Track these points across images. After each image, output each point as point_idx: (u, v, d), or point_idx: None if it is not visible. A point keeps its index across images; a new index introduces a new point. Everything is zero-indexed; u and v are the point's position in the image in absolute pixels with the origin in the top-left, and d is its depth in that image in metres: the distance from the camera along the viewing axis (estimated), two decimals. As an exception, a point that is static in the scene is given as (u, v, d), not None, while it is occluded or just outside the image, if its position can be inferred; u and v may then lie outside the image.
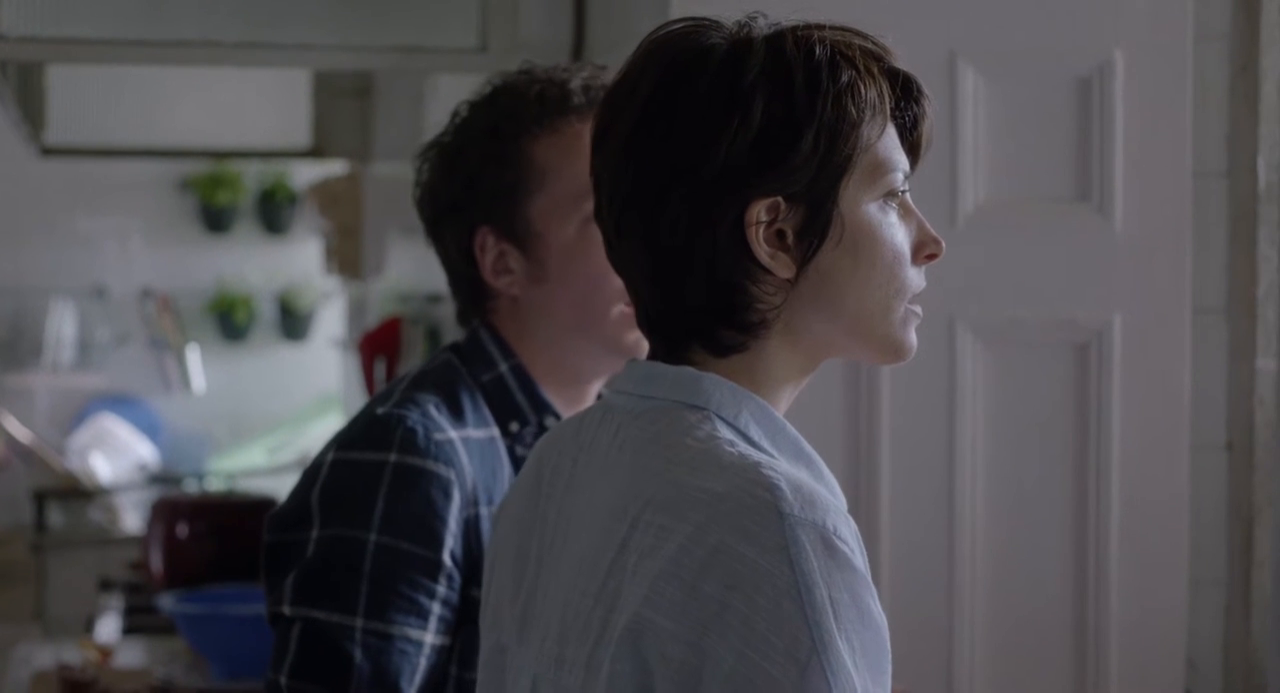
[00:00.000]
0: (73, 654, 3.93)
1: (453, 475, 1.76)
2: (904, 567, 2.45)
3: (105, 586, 4.93)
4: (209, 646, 3.52)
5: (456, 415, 1.81)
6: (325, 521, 1.76)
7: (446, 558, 1.75)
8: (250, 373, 8.40)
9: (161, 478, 7.26)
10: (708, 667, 1.24)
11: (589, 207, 1.76)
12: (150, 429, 7.98)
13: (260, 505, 4.08)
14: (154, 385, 8.27)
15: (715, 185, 1.33)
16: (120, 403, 8.06)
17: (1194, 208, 2.53)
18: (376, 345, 5.10)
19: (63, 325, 8.13)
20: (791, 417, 1.39)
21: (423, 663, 1.73)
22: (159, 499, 4.33)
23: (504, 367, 1.86)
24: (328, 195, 6.27)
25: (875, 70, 1.36)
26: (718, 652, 1.24)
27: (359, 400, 3.30)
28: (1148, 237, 2.47)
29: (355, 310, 7.24)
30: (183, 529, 4.02)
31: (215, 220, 8.33)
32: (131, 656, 3.99)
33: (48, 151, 6.99)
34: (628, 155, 1.36)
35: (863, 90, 1.34)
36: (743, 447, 1.32)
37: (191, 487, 7.07)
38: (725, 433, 1.33)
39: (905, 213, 1.39)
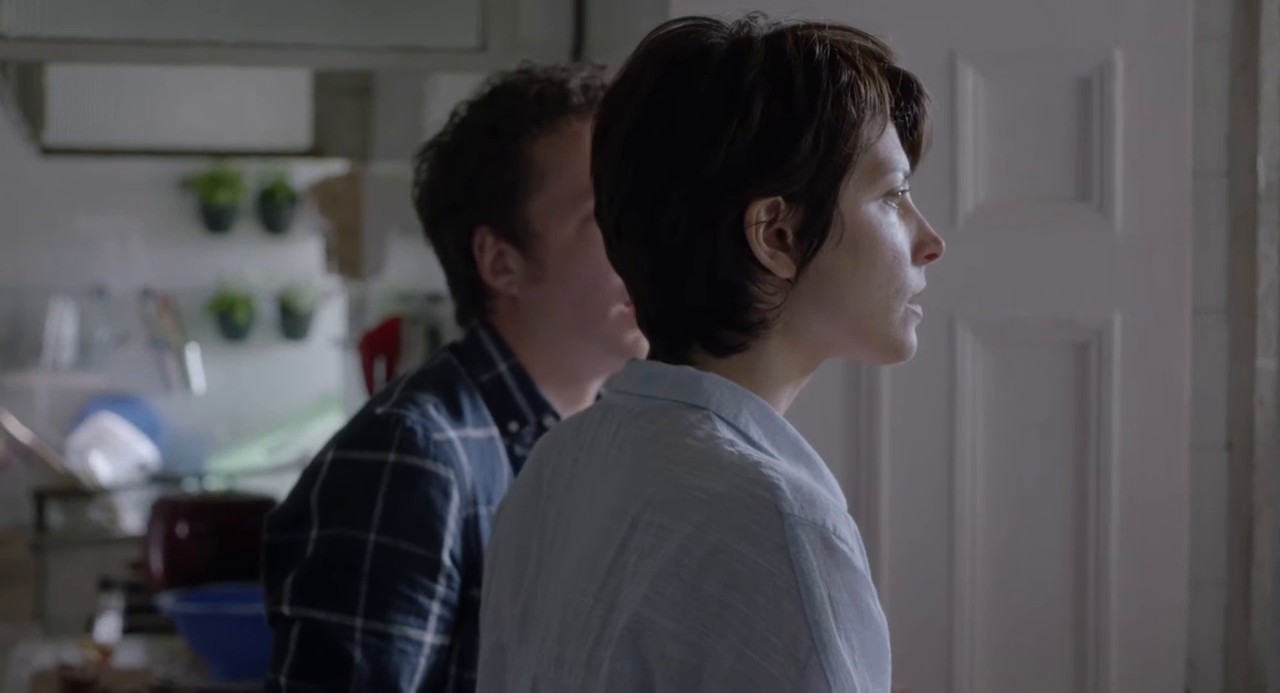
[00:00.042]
0: (73, 654, 3.93)
1: (452, 475, 1.76)
2: (904, 567, 2.45)
3: (105, 585, 4.93)
4: (209, 645, 3.52)
5: (455, 415, 1.81)
6: (325, 520, 1.76)
7: (446, 558, 1.74)
8: (250, 373, 8.41)
9: (161, 478, 7.26)
10: (707, 666, 1.24)
11: (588, 206, 1.77)
12: (150, 429, 7.98)
13: (260, 505, 4.09)
14: (154, 385, 8.27)
15: (715, 185, 1.33)
16: (120, 403, 8.06)
17: (1194, 208, 2.53)
18: (376, 345, 5.10)
19: (63, 325, 8.14)
20: (791, 417, 1.39)
21: (422, 663, 1.73)
22: (159, 499, 4.33)
23: (503, 366, 1.86)
24: (328, 195, 6.27)
25: (875, 70, 1.36)
26: (717, 651, 1.24)
27: (359, 400, 3.30)
28: (1148, 237, 2.47)
29: (355, 310, 7.24)
30: (183, 529, 4.02)
31: (215, 220, 8.33)
32: (131, 655, 3.99)
33: (48, 151, 6.99)
34: (628, 155, 1.36)
35: (863, 90, 1.34)
36: (743, 446, 1.32)
37: (191, 487, 7.07)
38: (725, 433, 1.33)
39: (905, 213, 1.39)
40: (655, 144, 1.34)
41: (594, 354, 1.86)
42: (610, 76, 1.69)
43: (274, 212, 8.36)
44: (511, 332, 1.87)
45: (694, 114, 1.33)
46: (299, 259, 8.26)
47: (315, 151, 7.60)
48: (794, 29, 1.36)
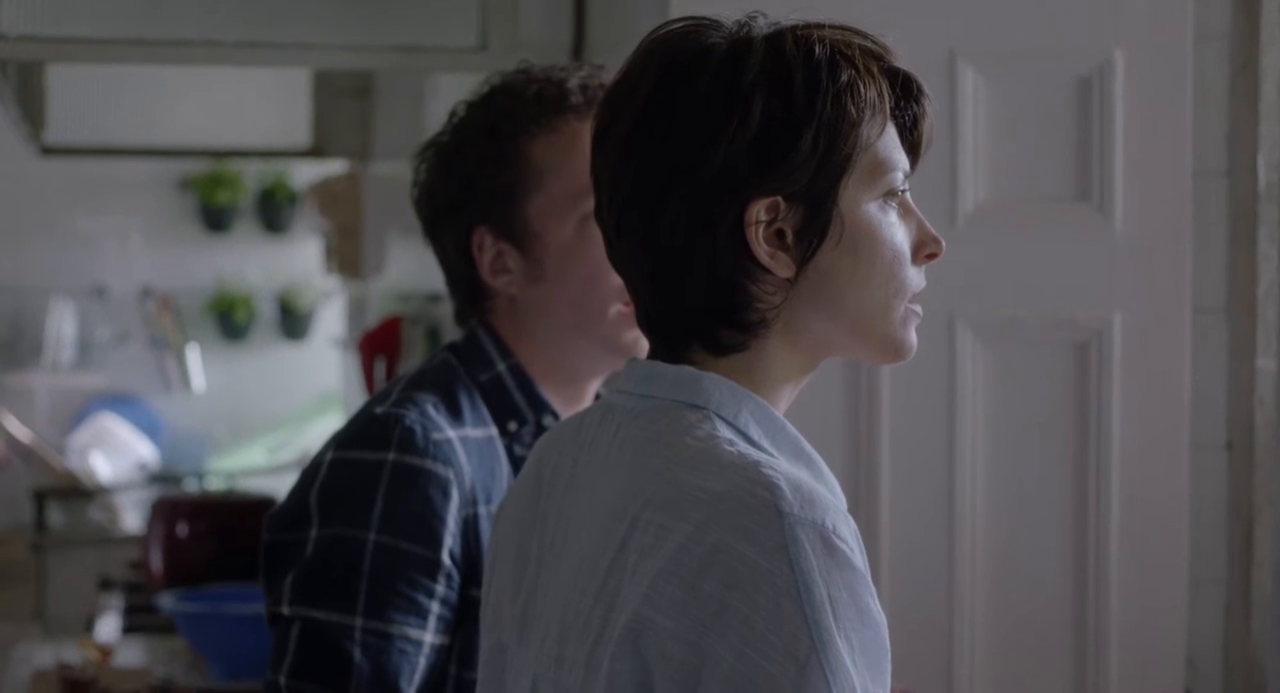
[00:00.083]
0: (73, 654, 3.93)
1: (451, 475, 1.76)
2: (904, 567, 2.45)
3: (105, 585, 4.93)
4: (209, 645, 3.52)
5: (455, 415, 1.81)
6: (324, 520, 1.75)
7: (445, 557, 1.74)
8: (250, 372, 8.41)
9: (161, 477, 7.26)
10: (707, 666, 1.24)
11: (587, 206, 1.77)
12: (150, 429, 7.98)
13: (260, 505, 4.08)
14: (154, 385, 8.27)
15: (715, 185, 1.33)
16: (120, 402, 8.06)
17: (1194, 208, 2.53)
18: (376, 345, 5.10)
19: (63, 325, 8.14)
20: (791, 416, 1.39)
21: (422, 663, 1.73)
22: (159, 499, 4.33)
23: (502, 366, 1.86)
24: (328, 195, 6.27)
25: (875, 69, 1.36)
26: (717, 651, 1.24)
27: (359, 400, 3.30)
28: (1148, 236, 2.47)
29: (355, 310, 7.24)
30: (183, 529, 4.02)
31: (215, 220, 8.33)
32: (131, 655, 3.99)
33: (48, 151, 7.00)
34: (628, 155, 1.36)
35: (862, 89, 1.34)
36: (742, 446, 1.32)
37: (191, 486, 7.07)
38: (725, 432, 1.33)
39: (905, 212, 1.39)
40: (655, 144, 1.34)
41: (593, 354, 1.86)
42: (609, 76, 1.69)
43: (274, 211, 8.36)
44: (510, 331, 1.87)
45: (694, 114, 1.33)
46: (299, 259, 8.26)
47: (315, 151, 7.60)
48: (793, 29, 1.36)
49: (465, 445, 1.79)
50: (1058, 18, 2.47)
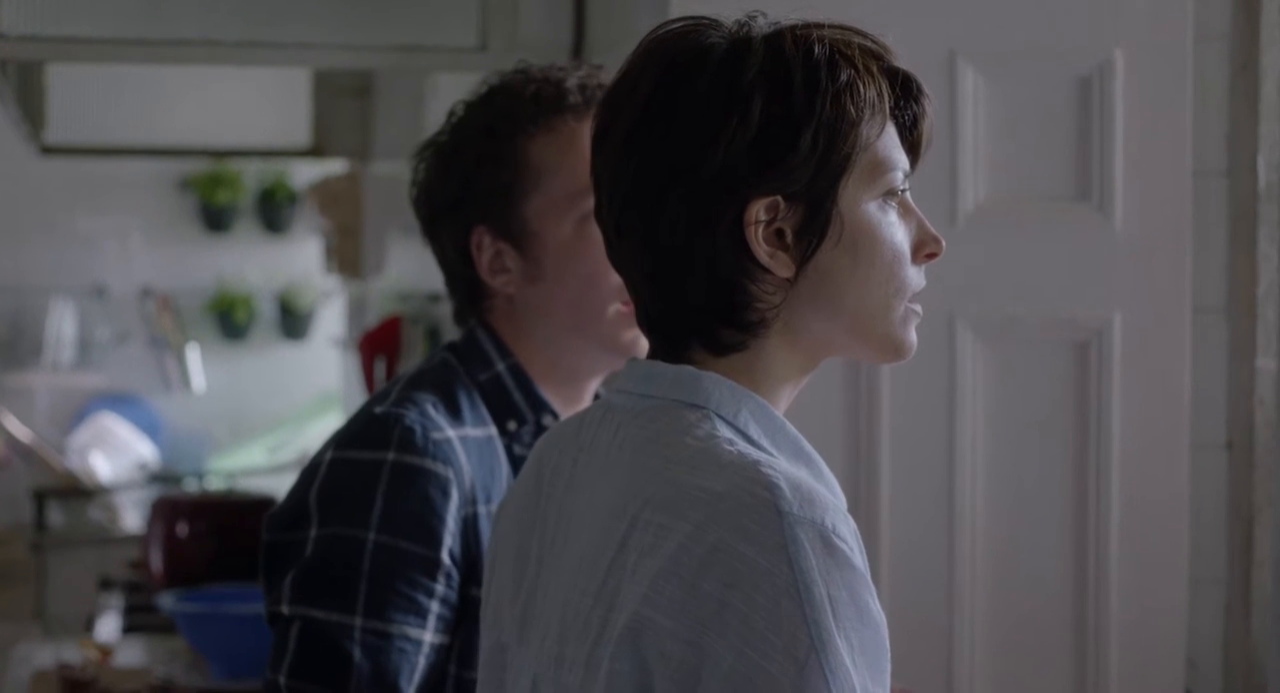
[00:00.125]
0: (73, 654, 3.93)
1: (451, 474, 1.76)
2: (904, 566, 2.45)
3: (105, 585, 4.93)
4: (209, 645, 3.52)
5: (454, 414, 1.81)
6: (324, 519, 1.75)
7: (445, 557, 1.74)
8: (250, 372, 8.41)
9: (161, 477, 7.26)
10: (707, 665, 1.24)
11: (585, 205, 1.77)
12: (150, 428, 7.99)
13: (260, 505, 4.09)
14: (154, 385, 8.27)
15: (714, 184, 1.33)
16: (120, 402, 8.06)
17: (1194, 207, 2.53)
18: (376, 345, 5.10)
19: (63, 325, 8.14)
20: (791, 416, 1.39)
21: (422, 662, 1.73)
22: (159, 498, 4.33)
23: (501, 366, 1.86)
24: (328, 195, 6.27)
25: (874, 69, 1.36)
26: (717, 650, 1.23)
27: (359, 400, 3.30)
28: (1148, 236, 2.47)
29: (355, 310, 7.24)
30: (183, 529, 4.02)
31: (215, 220, 8.33)
32: (131, 655, 3.99)
33: (48, 151, 7.00)
34: (627, 155, 1.36)
35: (862, 89, 1.34)
36: (742, 446, 1.32)
37: (191, 486, 7.07)
38: (724, 432, 1.33)
39: (905, 212, 1.39)
40: (655, 143, 1.34)
41: (591, 353, 1.86)
42: (608, 76, 1.69)
43: (274, 211, 8.36)
44: (509, 331, 1.87)
45: (693, 113, 1.33)
46: (299, 259, 8.26)
47: (315, 151, 7.60)
48: (793, 28, 1.36)
49: (465, 445, 1.79)
50: (1058, 18, 2.47)
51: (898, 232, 1.37)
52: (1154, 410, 2.47)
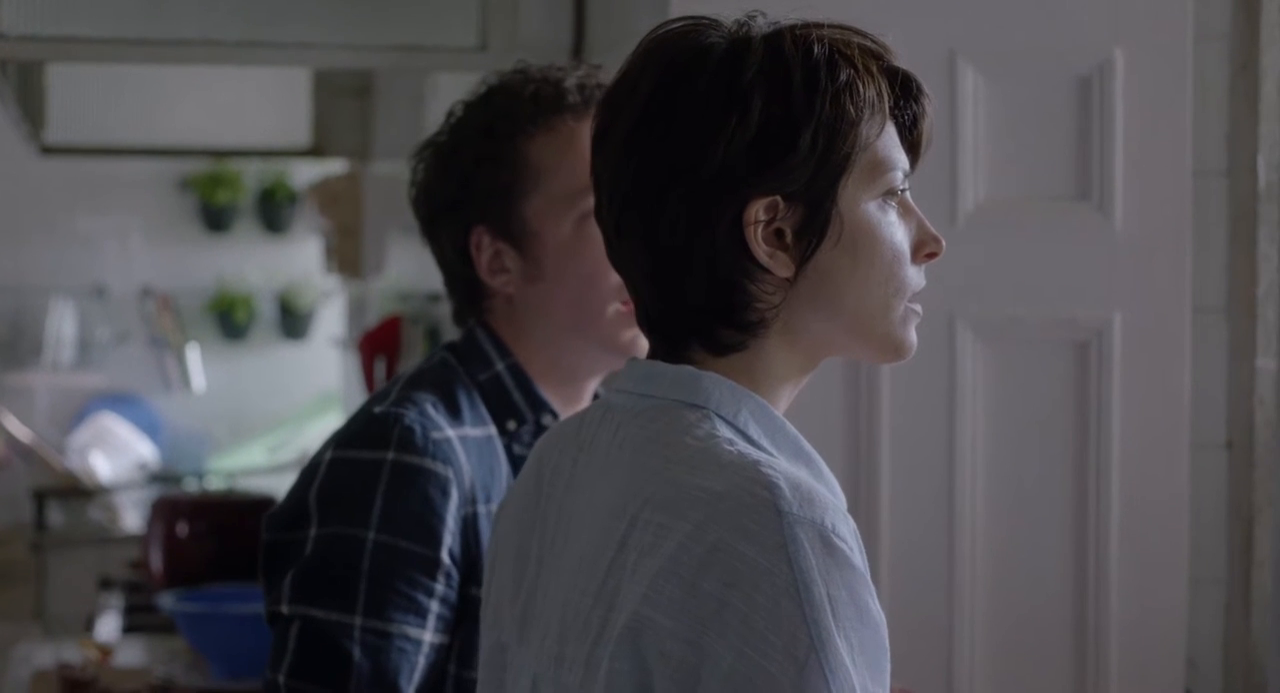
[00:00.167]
0: (73, 653, 3.93)
1: (450, 474, 1.76)
2: (904, 566, 2.45)
3: (105, 585, 4.93)
4: (209, 645, 3.52)
5: (454, 414, 1.81)
6: (323, 519, 1.75)
7: (445, 556, 1.74)
8: (250, 372, 8.41)
9: (161, 477, 7.26)
10: (706, 665, 1.24)
11: (584, 205, 1.77)
12: (150, 428, 7.99)
13: (260, 505, 4.09)
14: (154, 385, 8.27)
15: (714, 184, 1.33)
16: (120, 402, 8.06)
17: (1194, 207, 2.53)
18: (376, 344, 5.10)
19: (63, 325, 8.14)
20: (791, 416, 1.39)
21: (421, 662, 1.73)
22: (159, 498, 4.33)
23: (500, 366, 1.86)
24: (328, 195, 6.28)
25: (874, 69, 1.36)
26: (716, 650, 1.23)
27: (359, 399, 3.30)
28: (1148, 236, 2.47)
29: (355, 309, 7.24)
30: (183, 528, 4.02)
31: (215, 220, 8.33)
32: (131, 655, 3.99)
33: (48, 150, 7.00)
34: (627, 155, 1.36)
35: (861, 89, 1.34)
36: (742, 445, 1.32)
37: (191, 486, 7.06)
38: (724, 432, 1.33)
39: (905, 211, 1.39)
40: (654, 143, 1.34)
41: (591, 353, 1.86)
42: (607, 76, 1.69)
43: (274, 211, 8.36)
44: (509, 331, 1.87)
45: (693, 113, 1.33)
46: (299, 259, 8.26)
47: (315, 151, 7.60)
48: (792, 28, 1.36)
49: (464, 444, 1.79)
50: (1058, 18, 2.47)
51: (897, 231, 1.37)
52: (1154, 410, 2.47)
